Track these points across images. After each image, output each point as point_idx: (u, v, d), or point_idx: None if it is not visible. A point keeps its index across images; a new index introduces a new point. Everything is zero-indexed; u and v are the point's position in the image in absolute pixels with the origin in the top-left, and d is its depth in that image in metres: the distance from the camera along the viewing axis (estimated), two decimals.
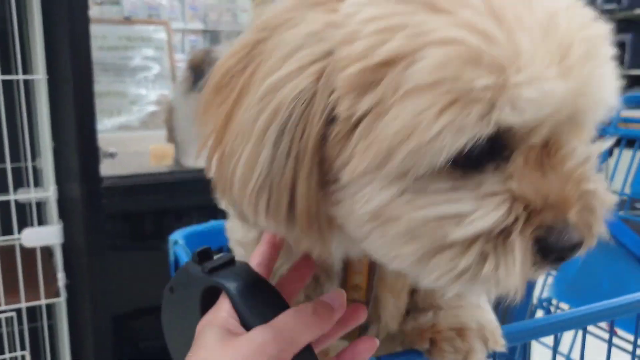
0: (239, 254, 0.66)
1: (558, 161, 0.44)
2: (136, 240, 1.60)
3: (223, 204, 0.58)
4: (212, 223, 1.15)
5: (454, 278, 0.43)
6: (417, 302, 0.67)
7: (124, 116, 2.86)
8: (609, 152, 1.37)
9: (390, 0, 0.42)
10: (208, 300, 0.55)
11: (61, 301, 1.51)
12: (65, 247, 1.48)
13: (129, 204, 1.48)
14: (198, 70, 1.62)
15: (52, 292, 1.49)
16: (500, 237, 0.42)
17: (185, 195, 1.52)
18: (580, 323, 0.72)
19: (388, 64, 0.41)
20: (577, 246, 0.43)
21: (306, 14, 0.45)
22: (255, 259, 0.57)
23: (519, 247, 0.42)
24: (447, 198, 0.42)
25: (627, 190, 1.38)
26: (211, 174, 0.50)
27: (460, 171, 0.42)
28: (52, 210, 1.45)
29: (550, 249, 0.43)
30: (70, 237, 1.48)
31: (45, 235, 1.44)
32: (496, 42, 0.39)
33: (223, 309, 0.52)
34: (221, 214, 0.67)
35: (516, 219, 0.42)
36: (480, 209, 0.42)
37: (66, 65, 1.41)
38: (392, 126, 0.40)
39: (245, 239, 0.65)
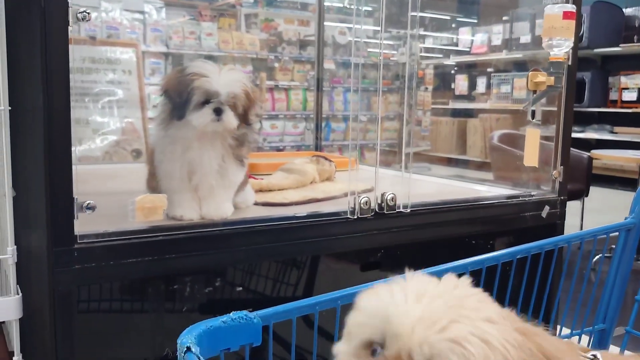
0: None
1: None
2: (119, 316, 1.28)
3: None
4: (230, 316, 0.84)
5: None
6: None
7: (84, 146, 2.59)
8: None
9: None
10: None
11: None
12: (24, 323, 1.16)
13: (108, 269, 1.17)
14: (175, 94, 1.32)
15: None
16: None
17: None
18: None
19: None
20: None
21: None
22: None
23: None
24: None
25: None
26: None
27: None
28: (10, 277, 1.12)
29: None
30: (30, 311, 1.16)
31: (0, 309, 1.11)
32: None
33: None
34: None
35: None
36: None
37: (37, 94, 1.11)
38: None
39: None
